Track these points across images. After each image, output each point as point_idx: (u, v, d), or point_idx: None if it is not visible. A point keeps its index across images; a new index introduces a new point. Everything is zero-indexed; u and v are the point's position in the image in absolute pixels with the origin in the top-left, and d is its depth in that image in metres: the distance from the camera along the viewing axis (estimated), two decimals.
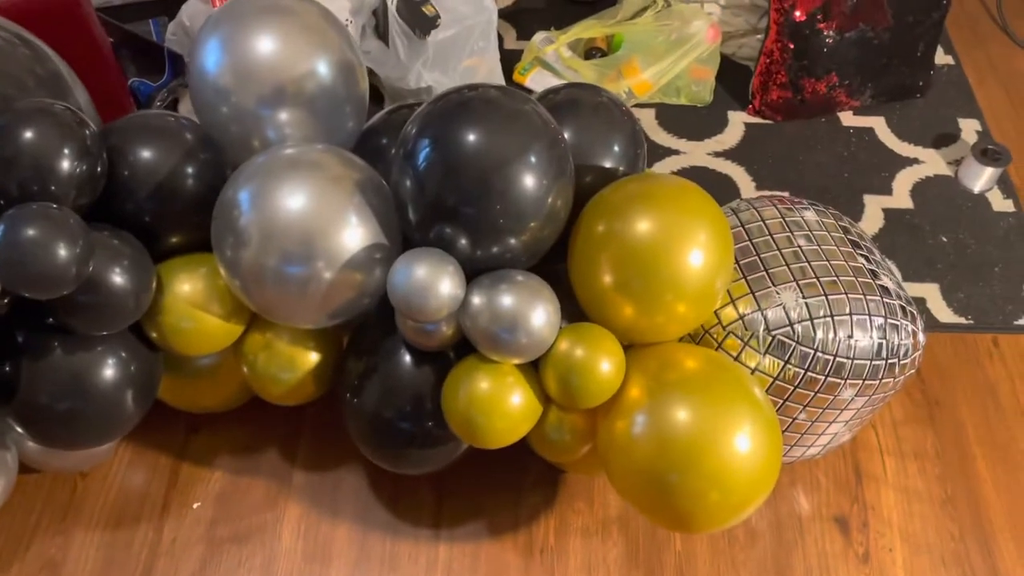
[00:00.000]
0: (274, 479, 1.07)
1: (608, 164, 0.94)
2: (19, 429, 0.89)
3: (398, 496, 1.06)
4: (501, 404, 0.84)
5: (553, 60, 1.48)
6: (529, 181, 0.81)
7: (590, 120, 0.96)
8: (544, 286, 0.84)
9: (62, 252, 0.73)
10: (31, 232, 0.73)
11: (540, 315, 0.82)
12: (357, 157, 0.91)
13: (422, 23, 1.28)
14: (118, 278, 0.82)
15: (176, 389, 1.02)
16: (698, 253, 0.83)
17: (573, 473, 1.07)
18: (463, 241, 0.83)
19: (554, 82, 1.46)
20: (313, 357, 0.96)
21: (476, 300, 0.83)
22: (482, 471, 1.07)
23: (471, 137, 0.81)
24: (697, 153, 1.44)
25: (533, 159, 0.81)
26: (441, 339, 0.88)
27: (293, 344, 0.95)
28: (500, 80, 1.41)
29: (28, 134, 0.76)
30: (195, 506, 1.05)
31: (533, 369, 0.87)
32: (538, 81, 1.47)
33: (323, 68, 0.93)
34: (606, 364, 0.83)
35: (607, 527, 1.04)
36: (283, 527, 1.04)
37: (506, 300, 0.82)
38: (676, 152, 1.44)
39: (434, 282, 0.80)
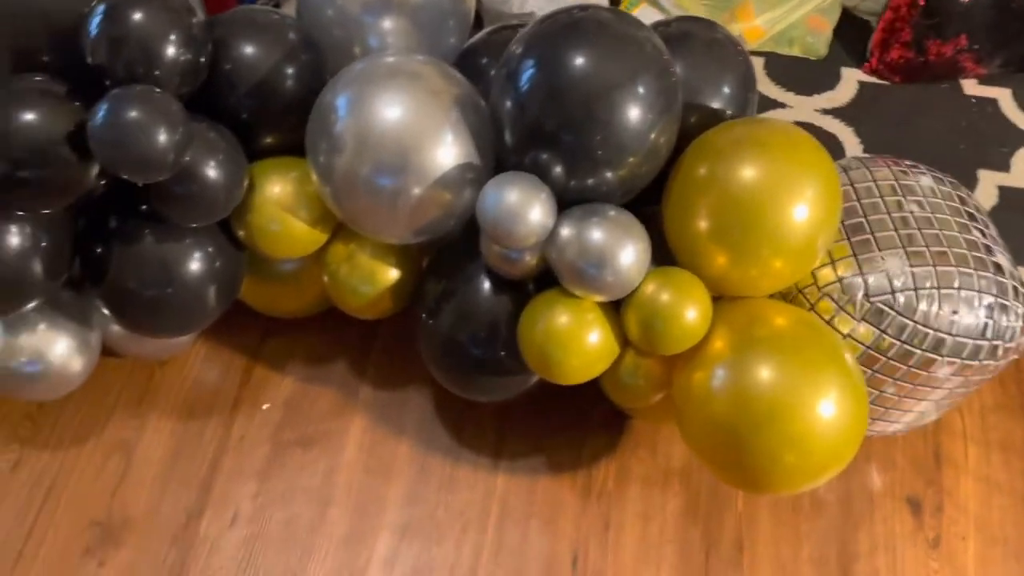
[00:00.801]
0: (342, 390, 1.09)
1: (716, 105, 0.90)
2: (105, 312, 0.91)
3: (462, 422, 1.06)
4: (579, 340, 0.83)
5: None
6: (634, 113, 0.78)
7: (702, 57, 0.91)
8: (636, 224, 0.81)
9: (162, 137, 0.73)
10: (134, 113, 0.73)
11: (629, 254, 0.79)
12: (457, 72, 0.88)
13: None
14: (212, 171, 0.82)
15: (256, 290, 1.03)
16: (804, 208, 0.79)
17: (639, 420, 1.06)
18: (558, 169, 0.80)
19: (659, 18, 1.40)
20: (393, 273, 0.95)
21: (565, 231, 0.80)
22: (547, 408, 1.06)
23: (578, 60, 0.78)
24: (804, 108, 1.37)
25: (641, 89, 0.78)
26: (524, 268, 0.86)
27: (375, 258, 0.95)
28: None
29: (137, 16, 0.76)
30: (264, 407, 1.07)
31: (614, 309, 0.85)
32: (644, 16, 1.40)
33: None
34: (692, 312, 0.80)
35: (668, 478, 1.02)
36: (347, 438, 1.05)
37: (596, 234, 0.80)
38: (782, 105, 1.37)
39: (525, 208, 0.78)
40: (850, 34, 1.45)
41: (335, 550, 0.97)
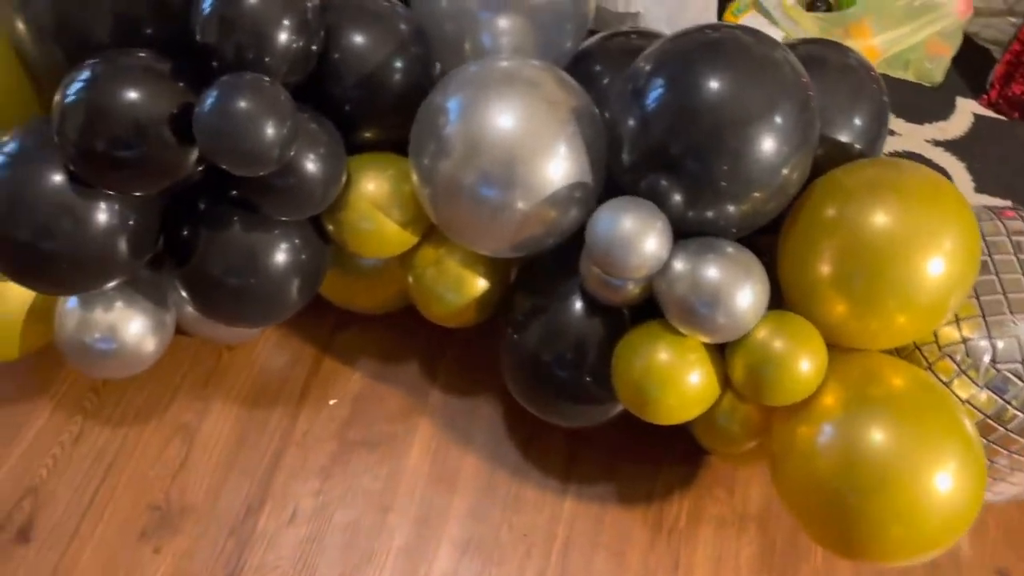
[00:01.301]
0: (411, 392, 1.05)
1: (846, 138, 0.84)
2: (184, 294, 0.88)
3: (532, 439, 1.02)
4: (678, 380, 0.78)
5: (772, 5, 1.35)
6: (768, 145, 0.72)
7: (834, 84, 0.85)
8: (756, 264, 0.76)
9: (269, 131, 0.70)
10: (243, 104, 0.69)
11: (746, 296, 0.74)
12: (574, 81, 0.83)
13: None
14: (311, 165, 0.78)
15: (335, 283, 0.99)
16: (939, 262, 0.73)
17: (718, 458, 1.01)
18: (677, 197, 0.75)
19: (769, 28, 1.33)
20: (481, 283, 0.91)
21: (679, 265, 0.75)
22: (622, 433, 1.01)
23: (713, 83, 0.72)
24: (914, 137, 1.29)
25: (779, 120, 0.72)
26: (625, 296, 0.81)
27: (464, 265, 0.90)
28: (713, 17, 1.29)
29: None
30: (331, 403, 1.04)
31: (719, 350, 0.80)
32: (751, 25, 1.34)
33: None
34: (806, 363, 0.75)
35: (744, 522, 0.97)
36: (413, 443, 1.02)
37: (711, 272, 0.74)
38: (891, 132, 1.29)
39: (640, 237, 0.73)
40: (969, 62, 1.36)
41: (393, 560, 0.94)
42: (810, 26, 1.31)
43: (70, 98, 0.71)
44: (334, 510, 0.96)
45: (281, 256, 0.86)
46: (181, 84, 0.74)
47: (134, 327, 0.90)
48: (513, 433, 1.03)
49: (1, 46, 0.85)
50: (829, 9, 1.35)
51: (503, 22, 0.85)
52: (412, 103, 0.85)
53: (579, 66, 0.92)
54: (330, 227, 0.88)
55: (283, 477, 0.98)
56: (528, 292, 0.91)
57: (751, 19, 1.35)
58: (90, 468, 0.97)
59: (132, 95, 0.71)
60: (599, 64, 0.91)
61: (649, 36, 0.95)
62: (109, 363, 0.91)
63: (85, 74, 0.72)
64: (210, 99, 0.69)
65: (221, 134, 0.69)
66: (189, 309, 0.96)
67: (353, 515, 0.96)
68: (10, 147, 0.78)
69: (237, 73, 0.71)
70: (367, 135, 0.87)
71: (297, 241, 0.86)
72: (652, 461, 1.01)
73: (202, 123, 0.69)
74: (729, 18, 1.35)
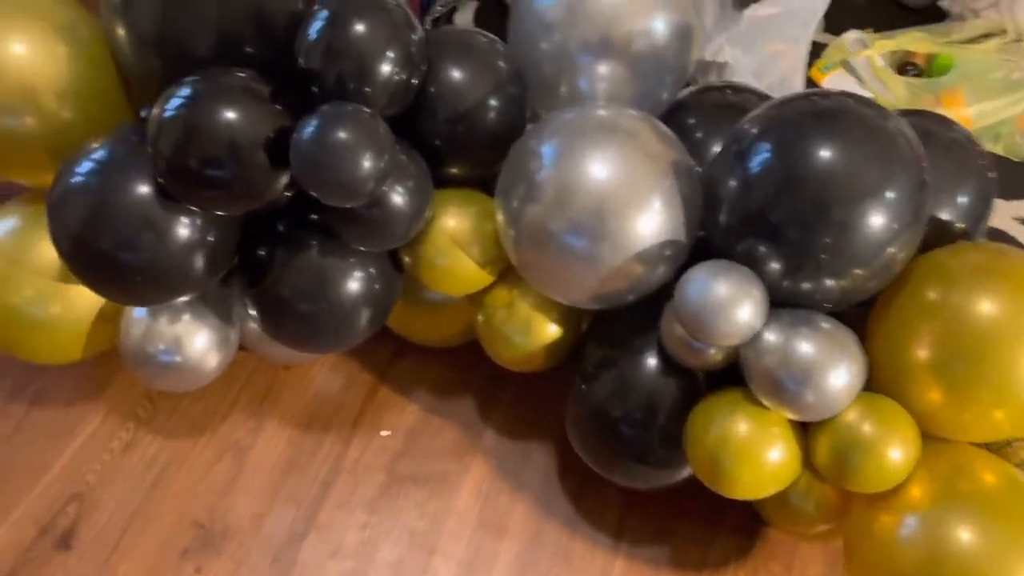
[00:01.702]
0: (465, 431, 1.03)
1: (948, 216, 0.81)
2: (254, 314, 0.87)
3: (584, 491, 0.99)
4: (757, 455, 0.75)
5: (861, 66, 1.32)
6: (877, 221, 0.69)
7: (939, 159, 0.81)
8: (853, 342, 0.73)
9: (367, 164, 0.68)
10: (343, 135, 0.67)
11: (841, 376, 0.71)
12: (672, 134, 0.81)
13: None
14: (399, 199, 0.77)
15: (399, 313, 0.97)
16: None
17: (777, 531, 0.97)
18: (774, 265, 0.72)
19: (856, 89, 1.30)
20: (552, 329, 0.89)
21: (770, 337, 0.72)
22: (678, 494, 0.97)
23: (824, 153, 0.69)
24: (1000, 214, 1.25)
25: (891, 196, 0.69)
26: (706, 361, 0.78)
27: (536, 310, 0.88)
28: (802, 74, 1.26)
29: (360, 28, 0.71)
30: (384, 434, 1.02)
31: (802, 426, 0.76)
32: (837, 83, 1.32)
33: (661, 27, 0.83)
34: (897, 452, 0.71)
35: None
36: (464, 483, 0.99)
37: (805, 347, 0.71)
38: None
39: (734, 305, 0.70)
40: None
41: None
42: (900, 90, 1.28)
43: (169, 113, 0.70)
44: (379, 546, 0.94)
45: (354, 285, 0.84)
46: (279, 107, 0.73)
47: (199, 341, 0.89)
48: (566, 483, 1.00)
49: (98, 49, 0.85)
50: (920, 74, 1.32)
51: (603, 68, 0.83)
52: (503, 142, 0.83)
53: (673, 118, 0.89)
54: (407, 259, 0.87)
55: (330, 507, 0.96)
56: (601, 343, 0.88)
57: (838, 77, 1.32)
58: (138, 478, 0.96)
59: (230, 115, 0.70)
60: (693, 117, 0.89)
61: (744, 92, 0.93)
62: (170, 376, 0.89)
63: (186, 90, 0.71)
64: (310, 127, 0.68)
65: (318, 164, 0.68)
66: (252, 325, 0.95)
67: (397, 554, 0.93)
68: (99, 154, 0.78)
69: (338, 103, 0.70)
70: (453, 170, 0.85)
71: (372, 271, 0.85)
72: (708, 526, 0.97)
73: (300, 151, 0.68)
74: (816, 75, 1.32)
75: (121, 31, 0.81)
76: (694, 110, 0.90)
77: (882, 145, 0.71)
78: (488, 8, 1.40)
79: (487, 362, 0.98)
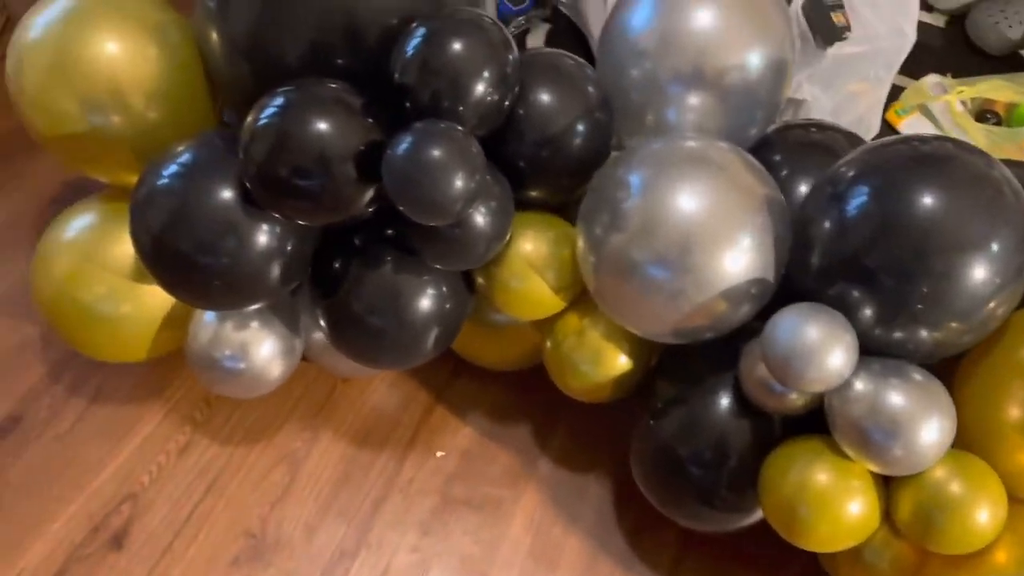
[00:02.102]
0: (521, 456, 1.01)
1: None
2: (323, 326, 0.86)
3: (641, 528, 0.97)
4: (836, 506, 0.72)
5: (940, 111, 1.29)
6: (979, 274, 0.67)
7: None
8: (945, 397, 0.70)
9: (459, 183, 0.67)
10: (436, 153, 0.67)
11: (932, 431, 0.68)
12: (764, 169, 0.79)
13: (827, 31, 1.13)
14: (481, 219, 0.76)
15: (462, 333, 0.96)
16: None
17: None
18: (866, 312, 0.70)
19: (932, 132, 1.28)
20: (622, 361, 0.87)
21: (859, 385, 0.70)
22: (737, 540, 0.95)
23: (927, 200, 0.67)
24: None
25: (995, 248, 0.67)
26: (786, 405, 0.76)
27: (607, 340, 0.86)
28: (879, 116, 1.24)
29: (458, 47, 0.70)
30: (439, 455, 1.00)
31: (883, 479, 0.74)
32: (914, 127, 1.29)
33: (755, 61, 0.81)
34: (985, 514, 0.68)
35: None
36: (517, 511, 0.97)
37: (896, 399, 0.69)
38: None
39: (826, 351, 0.68)
40: None
41: None
42: (979, 138, 1.25)
43: (262, 121, 0.70)
44: (428, 569, 0.92)
45: (426, 303, 0.83)
46: (371, 120, 0.72)
47: (265, 349, 0.88)
48: (622, 519, 0.97)
49: (188, 52, 0.86)
50: (999, 123, 1.29)
51: (693, 99, 0.82)
52: (587, 168, 0.82)
53: (757, 154, 0.88)
54: (480, 280, 0.86)
55: (382, 525, 0.94)
56: (672, 380, 0.86)
57: (915, 121, 1.29)
58: (192, 482, 0.95)
59: (322, 126, 0.70)
60: (779, 155, 0.87)
61: (829, 130, 0.91)
62: (234, 382, 0.89)
63: (279, 100, 0.71)
64: (404, 144, 0.67)
65: (411, 181, 0.67)
66: (315, 336, 0.94)
67: None
68: (185, 157, 0.78)
69: (432, 120, 0.69)
70: (533, 194, 0.84)
71: (444, 290, 0.84)
72: (766, 573, 0.94)
73: (393, 167, 0.67)
74: (892, 118, 1.29)
75: (214, 36, 0.81)
76: (779, 147, 0.88)
77: (988, 194, 0.68)
78: (559, 31, 1.39)
79: (545, 388, 0.96)
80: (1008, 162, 0.87)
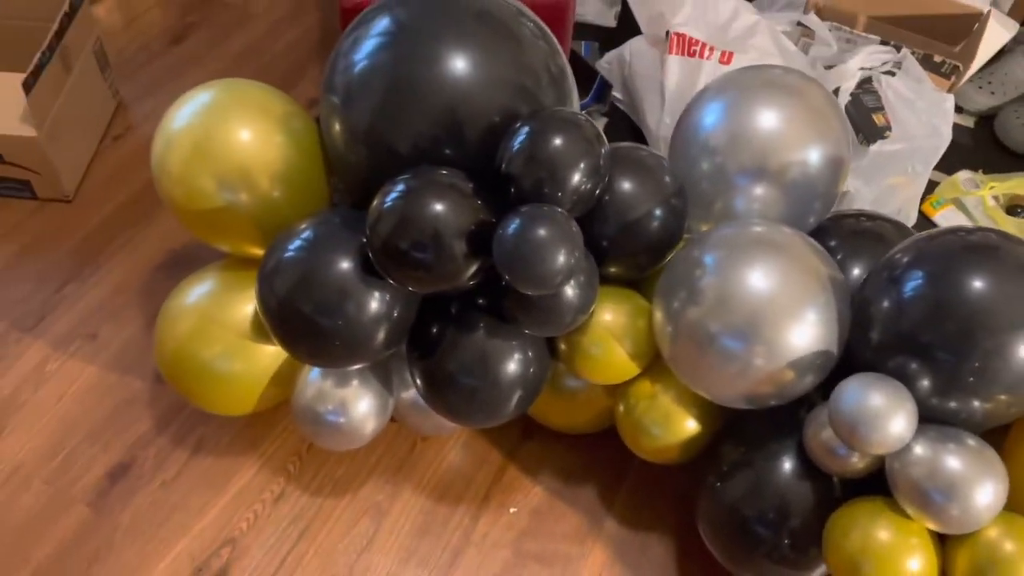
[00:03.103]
0: (587, 515, 1.08)
1: None
2: (419, 384, 0.95)
3: None
4: (897, 563, 0.78)
5: (973, 205, 1.39)
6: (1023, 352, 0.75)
7: None
8: (998, 462, 0.77)
9: (561, 259, 0.77)
10: (543, 232, 0.77)
11: (987, 493, 0.75)
12: (827, 253, 0.88)
13: (869, 130, 1.24)
14: (571, 291, 0.85)
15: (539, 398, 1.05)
16: None
17: None
18: (923, 383, 0.78)
19: (967, 223, 1.37)
20: (691, 424, 0.95)
21: (919, 449, 0.77)
22: None
23: (977, 284, 0.76)
24: None
25: None
26: (847, 467, 0.83)
27: (678, 404, 0.94)
28: (916, 208, 1.34)
29: (558, 142, 0.81)
30: (511, 511, 1.07)
31: (939, 539, 0.80)
32: (948, 219, 1.38)
33: (814, 157, 0.92)
34: None
35: None
36: (584, 568, 1.03)
37: (953, 462, 0.76)
38: None
39: (889, 415, 0.76)
40: None
41: None
42: (1010, 230, 1.34)
43: (388, 204, 0.81)
44: None
45: (513, 366, 0.91)
46: (479, 203, 0.82)
47: (362, 407, 0.96)
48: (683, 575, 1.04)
49: (309, 140, 0.97)
50: None
51: (759, 190, 0.92)
52: (663, 249, 0.92)
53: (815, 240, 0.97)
54: (563, 346, 0.94)
55: (459, 575, 1.01)
56: (737, 443, 0.93)
57: (949, 214, 1.39)
58: (286, 529, 1.03)
59: (439, 207, 0.80)
60: (834, 240, 0.97)
61: (878, 219, 1.01)
62: (333, 436, 0.97)
63: (401, 186, 0.81)
64: (513, 224, 0.77)
65: (519, 257, 0.77)
66: (402, 396, 1.03)
67: None
68: (308, 233, 0.88)
69: (537, 204, 0.79)
70: (612, 270, 0.94)
71: (530, 355, 0.92)
72: None
73: (503, 245, 0.77)
74: (927, 209, 1.39)
75: (337, 126, 0.92)
76: (834, 234, 0.98)
77: None
78: (618, 125, 1.52)
79: (610, 449, 1.04)
80: None
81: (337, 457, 1.09)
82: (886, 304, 0.80)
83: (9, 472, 1.05)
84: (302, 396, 0.97)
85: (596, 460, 1.12)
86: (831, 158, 0.92)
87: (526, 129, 0.82)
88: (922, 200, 1.41)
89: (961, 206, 1.41)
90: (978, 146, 1.55)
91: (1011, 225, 1.37)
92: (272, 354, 0.98)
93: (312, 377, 0.97)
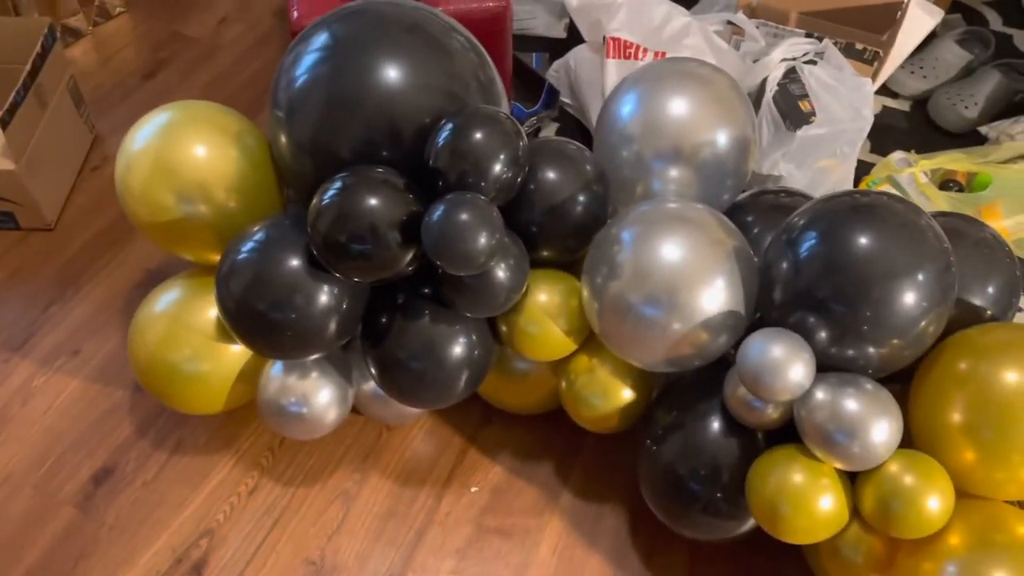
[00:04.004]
0: (545, 490, 1.14)
1: (978, 303, 0.92)
2: (372, 371, 1.02)
3: (653, 551, 1.09)
4: (810, 502, 0.85)
5: (906, 182, 1.46)
6: (909, 299, 0.82)
7: (969, 253, 0.94)
8: (892, 403, 0.84)
9: (483, 240, 0.84)
10: (464, 216, 0.84)
11: (882, 430, 0.82)
12: (733, 224, 0.96)
13: (795, 117, 1.32)
14: (502, 273, 0.93)
15: (489, 382, 1.11)
16: None
17: None
18: (822, 335, 0.85)
19: None
20: (627, 393, 1.02)
21: (820, 395, 0.84)
22: (740, 555, 1.07)
23: (864, 240, 0.83)
24: None
25: (920, 278, 0.82)
26: (763, 419, 0.90)
27: (614, 375, 1.01)
28: (850, 187, 1.41)
29: (479, 135, 0.88)
30: (472, 490, 1.14)
31: (849, 479, 0.87)
32: None
33: (722, 139, 1.00)
34: (935, 501, 0.81)
35: None
36: (543, 538, 1.10)
37: (851, 404, 0.83)
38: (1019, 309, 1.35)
39: (788, 365, 0.83)
40: None
41: None
42: (943, 204, 1.41)
43: (325, 201, 0.88)
44: None
45: (458, 349, 0.98)
46: (411, 196, 0.90)
47: (322, 397, 1.04)
48: (636, 544, 1.10)
49: (261, 153, 1.05)
50: (961, 190, 1.45)
51: (674, 172, 1.00)
52: (588, 231, 0.99)
53: (734, 215, 1.04)
54: (503, 328, 1.02)
55: (424, 552, 1.07)
56: (668, 408, 1.00)
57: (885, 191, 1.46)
58: (260, 519, 1.09)
59: (372, 202, 0.88)
60: (751, 215, 1.04)
61: (795, 195, 1.08)
62: (297, 426, 1.04)
63: (338, 184, 0.89)
64: (438, 211, 0.85)
65: (446, 239, 0.84)
66: (363, 388, 1.10)
67: None
68: (259, 235, 0.96)
69: (461, 192, 0.87)
70: (544, 253, 1.01)
71: (473, 337, 0.99)
72: None
73: (430, 229, 0.85)
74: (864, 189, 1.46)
75: (283, 138, 1.00)
76: (752, 209, 1.05)
77: (912, 235, 0.84)
78: (567, 128, 1.60)
79: (564, 429, 1.11)
80: (955, 214, 1.03)
81: (308, 449, 1.16)
82: (784, 265, 0.87)
83: (0, 481, 1.13)
84: (266, 390, 1.04)
85: (552, 439, 1.18)
86: (738, 139, 1.00)
87: (450, 126, 0.90)
88: (859, 181, 1.49)
89: (895, 184, 1.47)
90: (913, 128, 1.63)
91: (943, 199, 1.43)
92: (238, 353, 1.05)
93: (275, 372, 1.04)
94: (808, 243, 0.86)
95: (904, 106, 1.66)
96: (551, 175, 0.97)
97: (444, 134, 0.90)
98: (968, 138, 1.59)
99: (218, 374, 1.06)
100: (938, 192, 1.45)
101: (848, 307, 0.83)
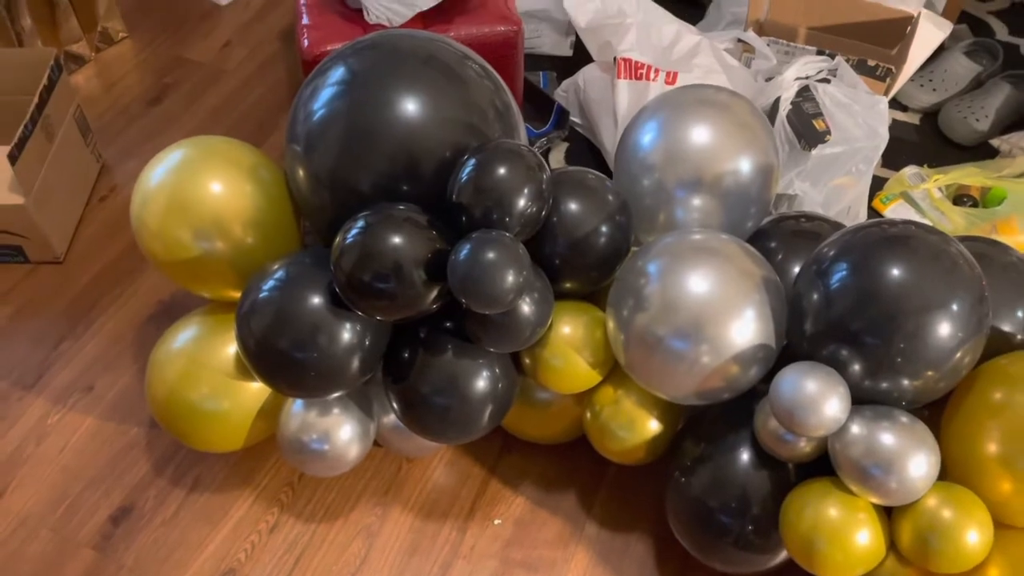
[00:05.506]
0: (569, 521, 1.13)
1: (1008, 329, 0.91)
2: (395, 407, 1.00)
3: None
4: (846, 537, 0.84)
5: (920, 197, 1.45)
6: (944, 331, 0.81)
7: (996, 278, 0.93)
8: (929, 435, 0.83)
9: (510, 278, 0.83)
10: (491, 255, 0.83)
11: (920, 465, 0.81)
12: (759, 254, 0.95)
13: (810, 136, 1.31)
14: (527, 308, 0.91)
15: (512, 412, 1.10)
16: None
17: None
18: (855, 367, 0.84)
19: (915, 218, 1.43)
20: (654, 425, 1.01)
21: (855, 429, 0.83)
22: None
23: (896, 272, 0.82)
24: None
25: (955, 308, 0.81)
26: (795, 452, 0.89)
27: (640, 407, 1.00)
28: (865, 204, 1.40)
29: (503, 171, 0.87)
30: (496, 522, 1.12)
31: (885, 512, 0.86)
32: (898, 213, 1.45)
33: (745, 166, 0.99)
34: (974, 535, 0.80)
35: None
36: (568, 571, 1.08)
37: (887, 438, 0.82)
38: None
39: (823, 399, 0.82)
40: None
41: None
42: (957, 219, 1.41)
43: (348, 240, 0.87)
44: None
45: (481, 383, 0.97)
46: (435, 233, 0.89)
47: (344, 433, 1.02)
48: (663, 573, 1.08)
49: (277, 188, 1.04)
50: (975, 205, 1.44)
51: (696, 201, 0.99)
52: (611, 263, 0.98)
53: (756, 242, 1.03)
54: (527, 360, 1.00)
55: None
56: (697, 439, 0.99)
57: (899, 208, 1.45)
58: (282, 557, 1.08)
59: (396, 240, 0.87)
60: (774, 242, 1.03)
61: (817, 220, 1.07)
62: (318, 463, 1.03)
63: (361, 222, 0.88)
64: (464, 250, 0.84)
65: (472, 279, 0.83)
66: (383, 421, 1.09)
67: None
68: (280, 273, 0.95)
69: (486, 230, 0.86)
70: (567, 285, 1.00)
71: (497, 371, 0.98)
72: None
73: (456, 269, 0.84)
74: (878, 205, 1.46)
75: (301, 172, 0.99)
76: (775, 236, 1.04)
77: (945, 265, 0.83)
78: (578, 149, 1.59)
79: (586, 458, 1.10)
80: (980, 239, 1.02)
81: (327, 484, 1.15)
82: (815, 296, 0.86)
83: (17, 524, 1.11)
84: (287, 428, 1.02)
85: (574, 468, 1.17)
86: (761, 166, 0.99)
87: (473, 162, 0.89)
88: (873, 197, 1.48)
89: (909, 199, 1.47)
90: (924, 142, 1.62)
91: (958, 214, 1.43)
92: (257, 390, 1.04)
93: (296, 409, 1.03)
94: (839, 274, 0.85)
95: (914, 119, 1.65)
96: (573, 207, 0.96)
97: (467, 170, 0.88)
98: (979, 151, 1.58)
99: (238, 411, 1.04)
100: (953, 207, 1.44)
101: (882, 340, 0.82)
